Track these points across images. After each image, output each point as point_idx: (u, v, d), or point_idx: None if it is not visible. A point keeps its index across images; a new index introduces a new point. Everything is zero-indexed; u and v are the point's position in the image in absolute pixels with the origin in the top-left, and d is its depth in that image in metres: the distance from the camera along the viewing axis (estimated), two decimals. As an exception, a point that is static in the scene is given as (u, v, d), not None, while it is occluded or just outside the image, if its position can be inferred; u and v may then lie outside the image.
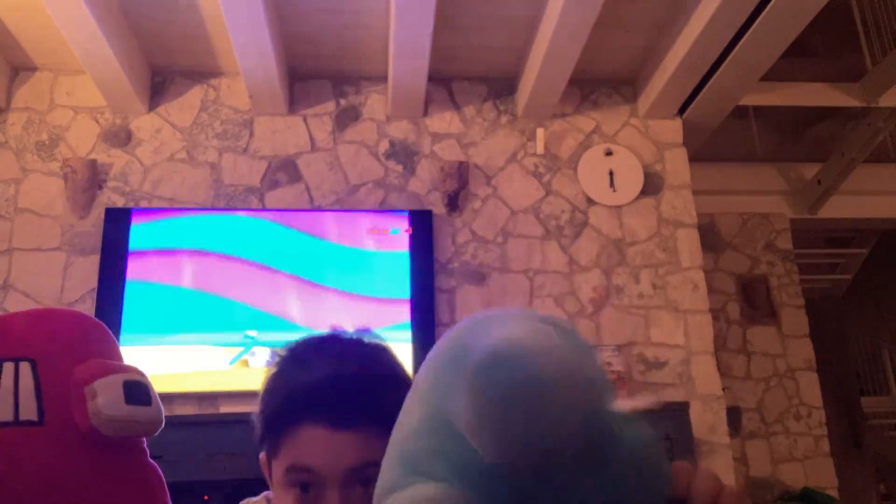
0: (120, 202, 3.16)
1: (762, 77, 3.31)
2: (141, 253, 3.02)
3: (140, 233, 3.04)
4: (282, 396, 0.86)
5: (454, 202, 3.28)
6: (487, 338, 0.46)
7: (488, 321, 0.49)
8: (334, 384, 0.84)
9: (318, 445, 0.83)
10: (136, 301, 2.96)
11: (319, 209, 3.23)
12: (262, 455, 0.93)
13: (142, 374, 0.76)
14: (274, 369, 0.89)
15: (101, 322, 0.83)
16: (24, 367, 0.70)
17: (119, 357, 0.80)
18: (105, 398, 0.69)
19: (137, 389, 0.73)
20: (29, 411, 0.68)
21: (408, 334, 3.02)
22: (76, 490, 0.69)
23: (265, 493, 0.99)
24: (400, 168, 3.35)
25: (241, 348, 2.95)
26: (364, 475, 0.83)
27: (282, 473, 0.86)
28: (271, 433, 0.87)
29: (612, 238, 3.35)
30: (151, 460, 0.80)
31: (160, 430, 0.77)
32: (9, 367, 0.69)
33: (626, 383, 3.12)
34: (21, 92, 3.29)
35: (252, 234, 3.10)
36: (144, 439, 0.80)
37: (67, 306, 2.98)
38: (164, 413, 0.77)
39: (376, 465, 0.81)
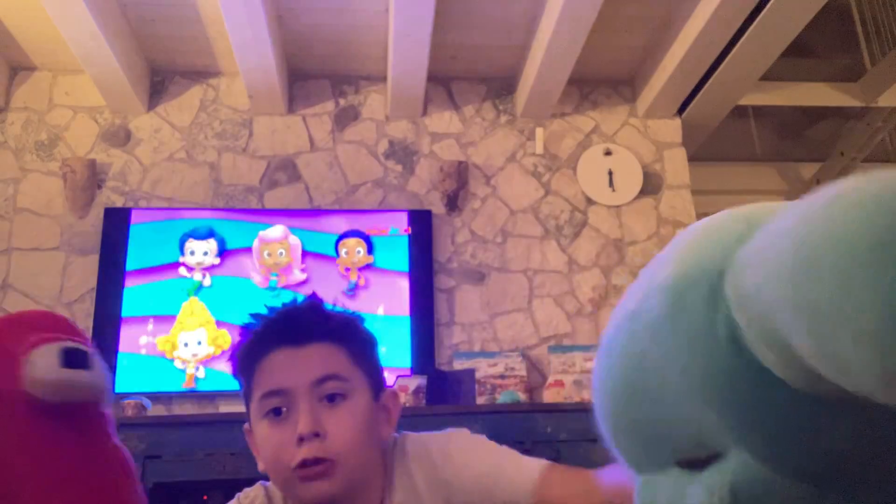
0: (119, 202, 3.16)
1: (761, 77, 3.31)
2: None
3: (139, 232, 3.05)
4: (249, 340, 0.97)
5: (453, 202, 3.28)
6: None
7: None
8: (290, 313, 0.96)
9: (284, 364, 0.93)
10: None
11: (319, 209, 3.23)
12: (246, 425, 1.00)
13: (85, 342, 0.77)
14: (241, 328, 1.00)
15: (65, 318, 0.85)
16: None
17: (81, 336, 0.81)
18: (39, 363, 0.70)
19: (76, 355, 0.73)
20: None
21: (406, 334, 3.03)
22: (18, 457, 0.69)
23: (260, 481, 1.02)
24: (399, 168, 3.35)
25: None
26: (329, 390, 0.92)
27: (257, 409, 0.94)
28: (245, 375, 0.96)
29: (612, 238, 3.35)
30: (119, 443, 0.81)
31: (107, 397, 0.77)
32: None
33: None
34: (20, 91, 3.29)
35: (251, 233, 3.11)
36: (110, 418, 0.80)
37: (66, 306, 2.98)
38: (109, 380, 0.77)
39: (338, 378, 0.92)
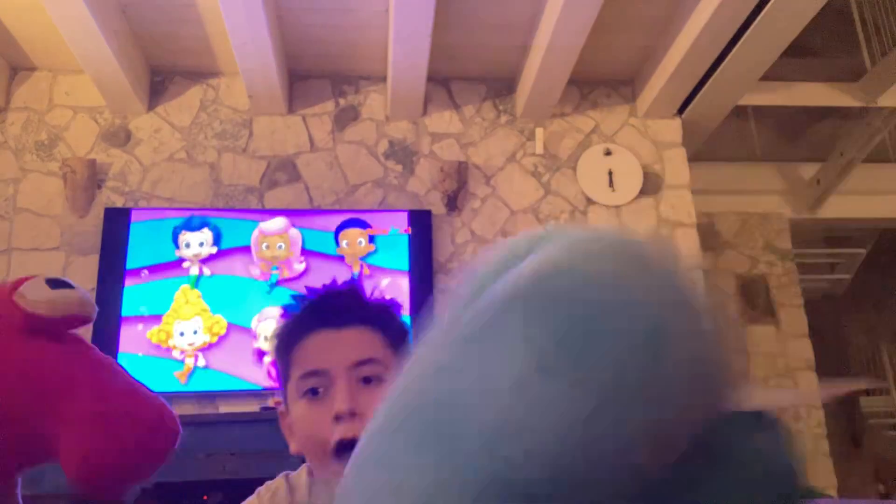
0: (119, 202, 3.16)
1: (761, 77, 3.31)
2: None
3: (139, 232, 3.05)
4: (289, 322, 0.99)
5: (453, 202, 3.28)
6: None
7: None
8: (329, 296, 0.99)
9: (323, 346, 0.95)
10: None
11: (319, 209, 3.23)
12: (282, 407, 1.02)
13: (66, 279, 0.86)
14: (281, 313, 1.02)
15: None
16: None
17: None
18: (31, 291, 0.79)
19: (59, 281, 0.82)
20: None
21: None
22: (57, 373, 0.79)
23: (284, 472, 1.03)
24: (399, 168, 3.35)
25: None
26: (365, 373, 0.94)
27: (295, 389, 0.96)
28: (284, 356, 0.98)
29: (612, 238, 3.34)
30: (99, 352, 0.88)
31: (94, 313, 0.85)
32: None
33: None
34: (20, 92, 3.29)
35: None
36: (80, 334, 0.88)
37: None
38: (91, 298, 0.85)
39: (375, 361, 0.95)
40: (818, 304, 4.79)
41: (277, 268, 3.05)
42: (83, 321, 0.84)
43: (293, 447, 0.98)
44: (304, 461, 1.00)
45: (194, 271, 3.02)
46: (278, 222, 3.10)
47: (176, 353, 2.91)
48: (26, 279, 0.81)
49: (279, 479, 1.04)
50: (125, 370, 0.87)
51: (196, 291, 3.00)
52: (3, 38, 3.11)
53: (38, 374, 0.78)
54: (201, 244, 3.04)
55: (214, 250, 3.05)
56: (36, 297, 0.79)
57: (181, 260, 3.03)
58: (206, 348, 2.93)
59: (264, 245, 3.07)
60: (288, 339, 0.98)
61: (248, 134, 3.33)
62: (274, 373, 1.02)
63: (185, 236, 3.05)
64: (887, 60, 3.83)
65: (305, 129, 3.37)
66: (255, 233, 3.09)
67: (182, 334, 2.93)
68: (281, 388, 1.00)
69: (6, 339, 0.78)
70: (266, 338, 2.91)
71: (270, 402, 2.72)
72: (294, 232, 3.10)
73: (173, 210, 3.13)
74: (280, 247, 3.07)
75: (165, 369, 2.87)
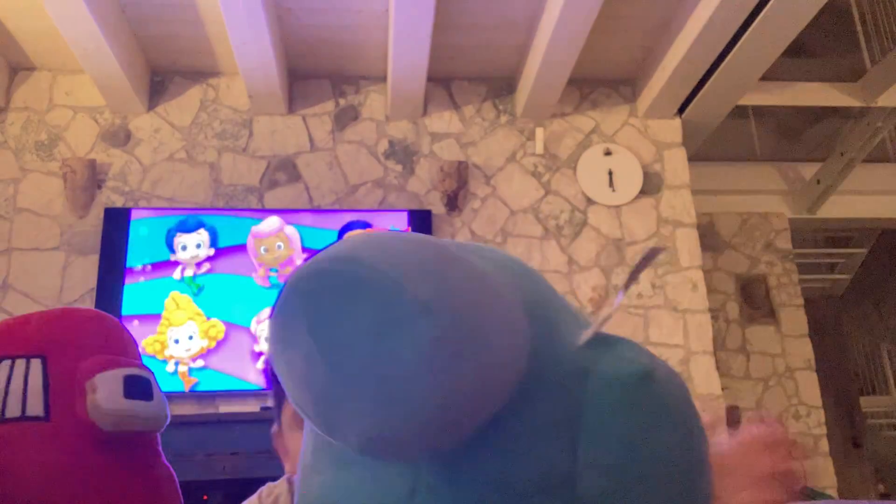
0: (119, 202, 3.16)
1: (761, 77, 3.31)
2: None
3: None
4: None
5: (453, 202, 3.28)
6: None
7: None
8: None
9: None
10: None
11: (319, 209, 3.23)
12: (275, 427, 0.96)
13: (146, 370, 0.76)
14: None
15: (118, 321, 0.83)
16: (35, 365, 0.70)
17: (135, 355, 0.80)
18: (104, 392, 0.70)
19: (138, 384, 0.73)
20: (35, 407, 0.68)
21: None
22: (78, 487, 0.69)
23: (286, 475, 1.01)
24: (399, 168, 3.35)
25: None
26: None
27: (292, 419, 0.90)
28: (279, 383, 0.91)
29: (612, 238, 3.35)
30: (166, 463, 0.80)
31: (164, 426, 0.77)
32: (21, 364, 0.70)
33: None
34: (20, 91, 3.29)
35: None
36: (158, 439, 0.79)
37: (66, 306, 2.97)
38: (168, 410, 0.77)
39: None
40: (818, 304, 4.79)
41: (276, 269, 3.02)
42: (149, 434, 0.76)
43: (288, 468, 0.96)
44: None
45: (189, 273, 2.98)
46: (272, 222, 3.07)
47: (170, 367, 2.86)
48: (107, 362, 0.72)
49: (282, 483, 1.02)
50: (177, 490, 0.79)
51: (186, 297, 2.94)
52: (3, 38, 3.11)
53: (58, 473, 0.68)
54: (198, 245, 3.01)
55: (212, 252, 3.02)
56: (106, 405, 0.69)
57: (176, 263, 3.00)
58: (205, 354, 2.91)
59: (262, 249, 3.04)
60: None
61: (248, 134, 3.33)
62: (270, 386, 0.99)
63: (181, 238, 3.02)
64: (887, 60, 3.83)
65: (305, 129, 3.37)
66: (250, 240, 3.04)
67: (177, 342, 2.90)
68: (276, 408, 0.99)
69: (63, 439, 0.69)
70: (266, 339, 2.90)
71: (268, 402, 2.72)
72: (290, 229, 3.07)
73: (173, 210, 3.13)
74: (279, 247, 3.04)
75: (164, 377, 2.87)
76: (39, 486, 0.67)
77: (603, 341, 0.45)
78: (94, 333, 0.78)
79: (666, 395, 0.43)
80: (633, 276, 0.47)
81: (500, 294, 0.40)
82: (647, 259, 0.46)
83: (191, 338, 2.91)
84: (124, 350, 0.79)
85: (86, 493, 0.69)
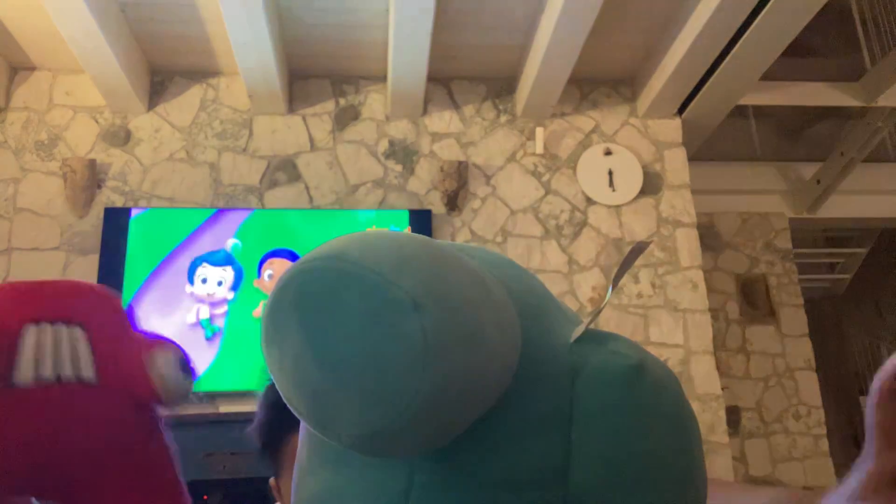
0: (119, 202, 3.16)
1: (761, 76, 3.31)
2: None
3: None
4: (270, 418, 0.91)
5: (453, 202, 3.28)
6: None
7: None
8: None
9: None
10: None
11: (319, 209, 3.23)
12: (272, 480, 0.95)
13: (183, 349, 0.85)
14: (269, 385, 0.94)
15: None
16: (77, 332, 0.76)
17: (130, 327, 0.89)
18: (167, 369, 0.79)
19: (187, 363, 0.82)
20: (87, 371, 0.75)
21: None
22: (126, 440, 0.78)
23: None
24: (399, 168, 3.35)
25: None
26: None
27: (290, 452, 0.89)
28: (271, 455, 0.92)
29: (612, 237, 3.35)
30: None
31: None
32: (63, 329, 0.75)
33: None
34: (20, 91, 3.29)
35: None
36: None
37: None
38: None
39: None
40: (818, 304, 4.79)
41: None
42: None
43: None
44: None
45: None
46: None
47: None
48: (162, 339, 0.80)
49: None
50: (176, 461, 0.87)
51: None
52: (3, 38, 3.11)
53: (106, 432, 0.77)
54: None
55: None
56: (175, 383, 0.79)
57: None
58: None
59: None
60: (273, 439, 0.92)
61: (248, 134, 3.33)
62: (261, 456, 0.96)
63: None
64: (887, 60, 3.83)
65: (305, 128, 3.37)
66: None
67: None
68: (270, 458, 0.95)
69: (112, 402, 0.77)
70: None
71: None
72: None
73: (173, 210, 3.13)
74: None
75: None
76: (95, 440, 0.75)
77: (594, 337, 0.45)
78: (113, 308, 0.85)
79: (657, 389, 0.43)
80: (620, 273, 0.47)
81: (490, 290, 0.40)
82: (634, 254, 0.46)
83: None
84: (126, 324, 0.88)
85: (131, 446, 0.78)
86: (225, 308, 2.89)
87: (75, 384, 0.74)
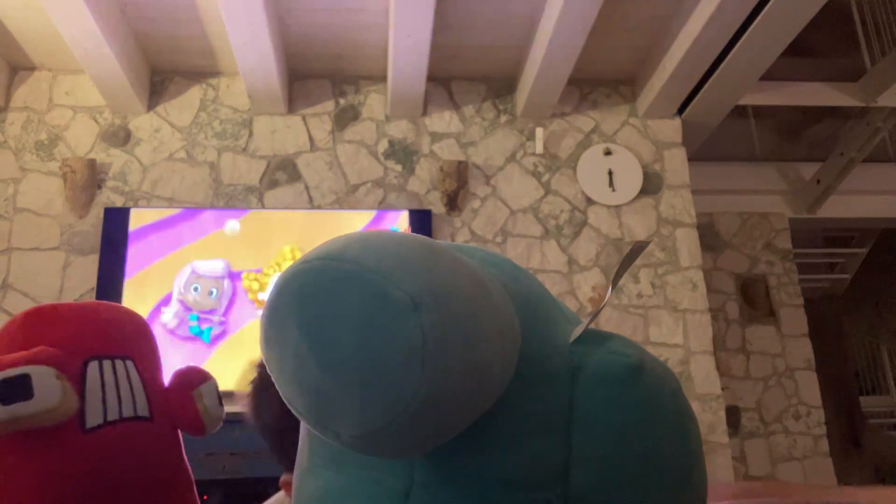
0: (119, 202, 3.16)
1: (761, 77, 3.31)
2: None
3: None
4: (277, 405, 0.86)
5: (453, 202, 3.28)
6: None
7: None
8: None
9: None
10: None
11: (319, 209, 3.23)
12: (284, 476, 0.92)
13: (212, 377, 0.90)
14: (258, 382, 0.92)
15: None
16: (129, 366, 0.79)
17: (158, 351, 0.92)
18: (211, 401, 0.84)
19: (221, 394, 0.86)
20: (142, 407, 0.78)
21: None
22: (169, 472, 0.82)
23: (283, 491, 0.98)
24: (399, 168, 3.35)
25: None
26: None
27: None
28: (281, 449, 0.89)
29: (612, 237, 3.35)
30: None
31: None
32: (119, 364, 0.78)
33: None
34: (20, 91, 3.29)
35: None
36: None
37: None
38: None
39: None
40: (818, 304, 4.79)
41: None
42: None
43: None
44: None
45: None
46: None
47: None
48: (201, 374, 0.83)
49: (282, 499, 0.98)
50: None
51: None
52: (3, 38, 3.11)
53: (158, 462, 0.81)
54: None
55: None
56: (217, 415, 0.84)
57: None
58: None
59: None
60: (285, 433, 0.87)
61: (248, 134, 3.33)
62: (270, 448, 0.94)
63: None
64: (887, 60, 3.83)
65: (305, 128, 3.37)
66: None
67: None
68: (282, 457, 0.91)
69: (163, 436, 0.80)
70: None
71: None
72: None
73: (173, 209, 3.13)
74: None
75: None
76: (151, 471, 0.79)
77: (593, 337, 0.45)
78: (147, 334, 0.88)
79: (656, 387, 0.43)
80: (620, 272, 0.47)
81: (490, 291, 0.40)
82: (634, 254, 0.46)
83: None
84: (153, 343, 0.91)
85: (175, 477, 0.83)
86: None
87: (133, 422, 0.77)
